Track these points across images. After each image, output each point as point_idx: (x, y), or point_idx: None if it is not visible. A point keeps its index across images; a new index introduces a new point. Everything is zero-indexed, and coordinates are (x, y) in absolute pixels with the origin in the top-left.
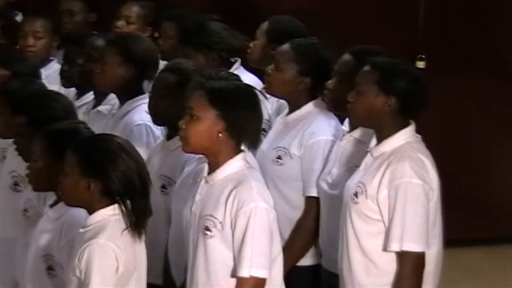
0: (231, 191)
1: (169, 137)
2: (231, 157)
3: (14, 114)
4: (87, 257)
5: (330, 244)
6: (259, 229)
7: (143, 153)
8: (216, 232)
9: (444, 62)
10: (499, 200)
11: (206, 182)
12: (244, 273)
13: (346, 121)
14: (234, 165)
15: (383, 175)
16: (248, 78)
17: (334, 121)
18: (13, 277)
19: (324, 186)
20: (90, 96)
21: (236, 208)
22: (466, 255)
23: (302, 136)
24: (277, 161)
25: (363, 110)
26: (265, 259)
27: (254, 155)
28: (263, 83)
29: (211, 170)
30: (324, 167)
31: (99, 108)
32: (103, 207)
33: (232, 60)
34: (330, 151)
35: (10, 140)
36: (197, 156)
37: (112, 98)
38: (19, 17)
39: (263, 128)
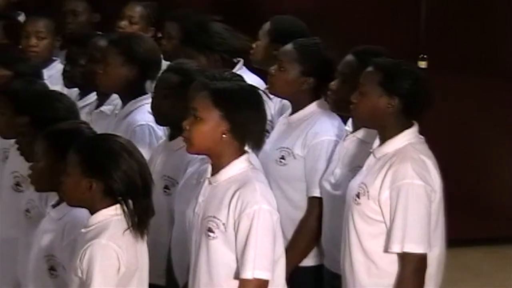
0: (235, 192)
1: (171, 137)
2: (235, 158)
3: (16, 114)
4: (89, 257)
5: (332, 244)
6: (262, 231)
7: (145, 153)
8: (219, 233)
9: (445, 62)
10: (499, 200)
11: (210, 183)
12: (247, 275)
13: (349, 121)
14: (238, 166)
15: (385, 176)
16: (251, 79)
17: (337, 121)
18: (15, 277)
19: (327, 187)
20: (93, 96)
21: (240, 210)
22: (466, 255)
23: (305, 136)
24: (281, 162)
25: (366, 111)
26: (268, 261)
27: (257, 155)
28: (266, 83)
29: (215, 171)
30: (327, 168)
31: (102, 108)
32: (105, 207)
33: (235, 60)
34: (333, 151)
35: (12, 141)
36: (200, 156)
37: (115, 98)
38: (21, 17)
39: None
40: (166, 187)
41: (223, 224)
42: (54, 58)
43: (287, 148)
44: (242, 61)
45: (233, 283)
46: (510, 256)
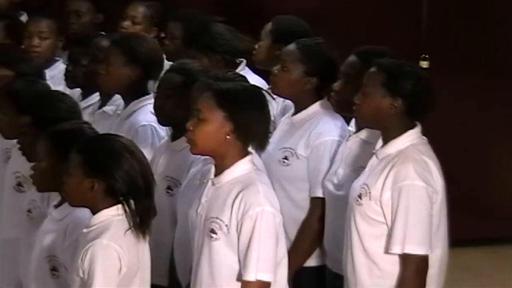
0: (238, 194)
1: (173, 137)
2: (238, 159)
3: (18, 114)
4: (90, 257)
5: (335, 245)
6: (265, 233)
7: (148, 153)
8: (221, 234)
9: (446, 62)
10: (499, 200)
11: (213, 184)
12: (250, 277)
13: (353, 121)
14: (241, 168)
15: (386, 177)
16: (253, 79)
17: (340, 121)
18: (17, 277)
19: (330, 187)
20: (95, 97)
21: (243, 212)
22: (466, 255)
23: (308, 137)
24: (284, 162)
25: (369, 112)
26: (271, 263)
27: (259, 156)
28: (268, 84)
29: (218, 172)
30: (330, 168)
31: (105, 108)
32: (107, 207)
33: (237, 61)
34: (336, 152)
35: (15, 141)
36: (203, 156)
37: (117, 98)
38: (23, 17)
39: None
40: (169, 187)
41: (226, 225)
42: (57, 58)
43: (290, 148)
44: (244, 61)
45: (235, 285)
46: (510, 256)
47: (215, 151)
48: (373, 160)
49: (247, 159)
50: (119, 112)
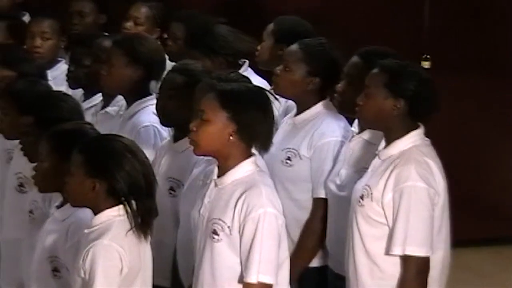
0: (241, 195)
1: (176, 138)
2: (242, 161)
3: (20, 115)
4: (91, 257)
5: (337, 245)
6: (268, 235)
7: (150, 154)
8: (223, 236)
9: (446, 62)
10: (501, 200)
11: (216, 185)
12: (252, 278)
13: (356, 122)
14: (244, 169)
15: (388, 178)
16: (256, 80)
17: (343, 122)
18: (19, 278)
19: (332, 188)
20: (98, 97)
21: (245, 213)
22: (467, 256)
23: (311, 137)
24: (287, 163)
25: (372, 113)
26: (273, 265)
27: (262, 157)
28: (271, 85)
29: (221, 173)
30: (332, 168)
31: (107, 109)
32: (108, 208)
33: (240, 62)
34: (339, 152)
35: (17, 141)
36: (206, 157)
37: (120, 99)
38: (26, 17)
39: None
40: (171, 188)
41: (228, 226)
42: (59, 59)
43: (293, 149)
44: (247, 62)
45: (236, 286)
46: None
47: (218, 152)
48: (375, 161)
49: (250, 160)
50: (121, 113)
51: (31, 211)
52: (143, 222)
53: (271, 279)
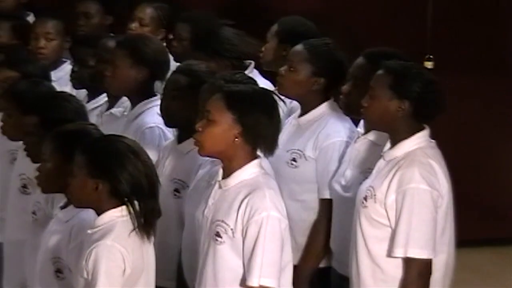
0: (244, 198)
1: (180, 139)
2: (246, 163)
3: (23, 115)
4: (94, 258)
5: (341, 246)
6: (270, 239)
7: (155, 155)
8: (226, 238)
9: (449, 63)
10: (502, 201)
11: (220, 186)
12: (254, 282)
13: (361, 123)
14: (249, 171)
15: (392, 180)
16: (261, 82)
17: (348, 122)
18: (22, 278)
19: (337, 188)
20: (103, 98)
21: (248, 216)
22: (469, 256)
23: (316, 138)
24: (292, 164)
25: (377, 115)
26: (275, 269)
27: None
28: (275, 86)
29: (226, 175)
30: (337, 169)
31: (112, 110)
32: (111, 208)
33: (246, 63)
34: (344, 153)
35: (21, 142)
36: (211, 158)
37: (125, 100)
38: (30, 18)
39: None
40: (176, 190)
41: (231, 229)
42: (64, 59)
43: (298, 150)
44: (253, 63)
45: None
46: None
47: (223, 153)
48: (380, 162)
49: (255, 162)
50: (126, 113)
51: (34, 212)
52: (146, 222)
53: (273, 283)
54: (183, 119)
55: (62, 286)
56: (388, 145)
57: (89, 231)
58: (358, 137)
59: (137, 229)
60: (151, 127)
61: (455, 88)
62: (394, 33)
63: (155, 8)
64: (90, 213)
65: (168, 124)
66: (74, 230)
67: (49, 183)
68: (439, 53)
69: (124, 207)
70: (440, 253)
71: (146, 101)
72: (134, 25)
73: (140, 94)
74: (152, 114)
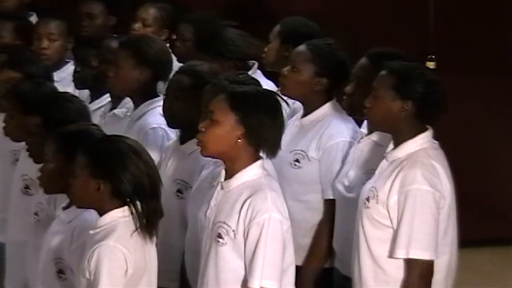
0: (246, 199)
1: (182, 140)
2: (249, 164)
3: (26, 115)
4: (96, 258)
5: (344, 247)
6: (272, 240)
7: (158, 156)
8: (228, 240)
9: (450, 63)
10: (503, 201)
11: (222, 188)
12: (255, 283)
13: (365, 123)
14: (251, 173)
15: (394, 180)
16: (264, 82)
17: (351, 122)
18: (24, 279)
19: (341, 188)
20: (106, 99)
21: (250, 218)
22: (470, 256)
23: (320, 139)
24: (295, 165)
25: (380, 115)
26: (277, 271)
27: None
28: (278, 87)
29: (228, 175)
30: (341, 169)
31: (115, 111)
32: (113, 209)
33: (250, 63)
34: (347, 153)
35: (23, 143)
36: (214, 159)
37: (128, 101)
38: (33, 18)
39: None
40: (179, 191)
41: (233, 230)
42: (67, 60)
43: (301, 150)
44: (256, 64)
45: None
46: None
47: (225, 154)
48: (383, 163)
49: (257, 164)
50: (129, 114)
51: (36, 213)
52: (148, 223)
53: (275, 284)
54: (186, 119)
55: (64, 287)
56: (391, 145)
57: (91, 232)
58: (362, 138)
59: (139, 230)
60: (154, 127)
61: (455, 88)
62: (395, 33)
63: (158, 8)
64: (92, 213)
65: (171, 124)
66: (76, 230)
67: (52, 184)
68: (439, 53)
69: (126, 207)
70: (442, 255)
71: (149, 101)
72: (137, 26)
73: (143, 95)
74: (155, 114)
